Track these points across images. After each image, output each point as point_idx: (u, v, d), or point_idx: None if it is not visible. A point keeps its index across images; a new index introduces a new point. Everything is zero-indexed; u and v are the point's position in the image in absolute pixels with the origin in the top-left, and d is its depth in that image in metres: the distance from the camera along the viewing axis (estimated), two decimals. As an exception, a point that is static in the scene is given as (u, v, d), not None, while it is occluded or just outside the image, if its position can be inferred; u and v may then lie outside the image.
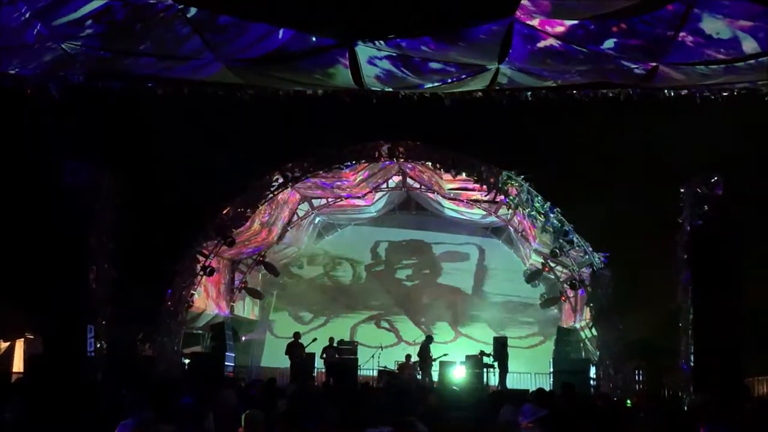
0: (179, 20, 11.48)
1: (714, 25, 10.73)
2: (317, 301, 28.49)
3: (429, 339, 23.97)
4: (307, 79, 13.53)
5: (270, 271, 26.99)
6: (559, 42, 11.43)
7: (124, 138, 19.71)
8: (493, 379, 23.26)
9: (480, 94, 14.03)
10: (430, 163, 21.70)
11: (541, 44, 11.60)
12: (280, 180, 21.82)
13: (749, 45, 11.05)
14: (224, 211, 21.45)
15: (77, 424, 12.18)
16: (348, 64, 12.44)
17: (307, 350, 23.59)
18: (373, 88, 13.68)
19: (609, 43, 11.49)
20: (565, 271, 23.29)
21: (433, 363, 23.26)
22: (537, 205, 20.83)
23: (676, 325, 18.27)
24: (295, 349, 23.55)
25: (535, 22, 10.97)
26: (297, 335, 24.21)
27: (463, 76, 12.95)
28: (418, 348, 24.38)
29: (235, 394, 13.55)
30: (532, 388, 19.50)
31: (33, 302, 18.64)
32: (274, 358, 25.50)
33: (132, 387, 14.56)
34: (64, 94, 13.92)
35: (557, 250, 21.33)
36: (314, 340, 24.15)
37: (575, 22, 10.93)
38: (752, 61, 11.45)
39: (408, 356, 24.31)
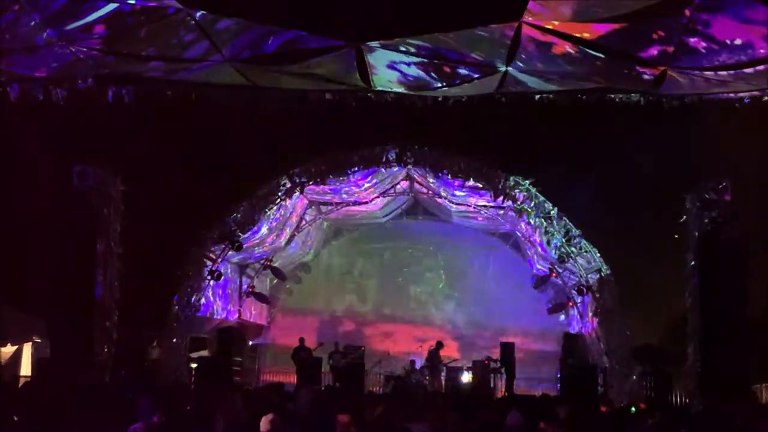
0: (186, 23, 11.53)
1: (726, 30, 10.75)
2: (324, 305, 28.49)
3: (439, 345, 23.96)
4: (316, 75, 13.51)
5: (277, 276, 27.00)
6: (577, 48, 11.44)
7: (132, 141, 19.75)
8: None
9: (488, 98, 14.05)
10: (437, 169, 21.67)
11: (555, 49, 11.63)
12: (288, 185, 21.82)
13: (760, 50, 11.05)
14: (232, 216, 21.46)
15: (85, 429, 12.19)
16: (355, 65, 12.50)
17: (313, 355, 23.63)
18: (381, 89, 13.69)
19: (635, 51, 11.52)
20: (572, 276, 23.24)
21: (443, 368, 23.28)
22: (544, 210, 20.82)
23: (683, 330, 18.25)
24: (301, 353, 23.59)
25: (551, 26, 10.98)
26: (302, 340, 24.27)
27: (476, 76, 12.96)
28: (425, 353, 24.43)
29: (241, 399, 13.55)
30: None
31: (41, 306, 18.67)
32: (281, 362, 25.48)
33: (140, 391, 14.57)
34: (73, 96, 13.96)
35: (564, 256, 21.30)
36: (321, 344, 24.17)
37: (598, 29, 10.93)
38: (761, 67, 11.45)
39: (412, 362, 24.31)
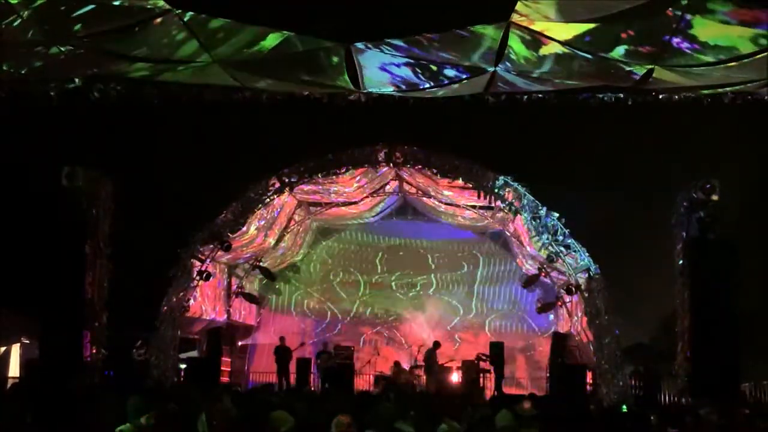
0: (176, 24, 11.51)
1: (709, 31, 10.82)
2: (313, 306, 28.48)
3: (436, 345, 23.94)
4: (308, 79, 13.53)
5: (266, 276, 26.97)
6: (564, 48, 11.48)
7: (121, 142, 19.72)
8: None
9: (477, 98, 14.08)
10: (426, 169, 21.67)
11: (544, 49, 11.67)
12: (277, 185, 21.77)
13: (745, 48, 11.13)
14: (221, 216, 21.42)
15: (74, 430, 12.16)
16: (345, 66, 12.52)
17: (304, 356, 23.65)
18: (371, 90, 13.71)
19: (619, 51, 11.59)
20: (561, 276, 23.27)
21: (439, 369, 23.28)
22: (533, 210, 20.82)
23: (672, 329, 18.32)
24: (282, 353, 23.66)
25: (538, 27, 11.02)
26: (282, 339, 24.33)
27: (464, 77, 12.99)
28: (415, 354, 24.45)
29: (230, 399, 13.52)
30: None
31: (29, 307, 18.61)
32: (270, 363, 25.45)
33: (128, 392, 14.53)
34: (62, 97, 13.92)
35: (553, 255, 21.32)
36: (302, 344, 24.17)
37: (584, 29, 10.98)
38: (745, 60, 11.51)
39: (397, 363, 24.33)
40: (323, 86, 13.86)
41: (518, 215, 21.36)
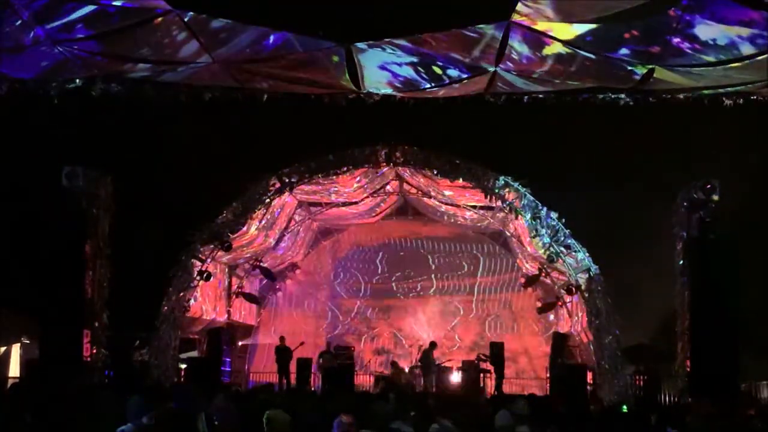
0: (176, 24, 11.52)
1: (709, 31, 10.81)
2: (314, 305, 28.49)
3: (433, 345, 23.94)
4: (308, 79, 13.54)
5: (267, 276, 26.97)
6: (565, 47, 11.48)
7: (121, 142, 19.73)
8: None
9: (477, 98, 14.08)
10: (426, 169, 21.68)
11: (546, 50, 11.67)
12: (277, 185, 21.78)
13: (746, 49, 11.12)
14: (221, 216, 21.42)
15: (74, 430, 12.16)
16: (345, 66, 12.53)
17: (304, 355, 23.65)
18: (371, 90, 13.71)
19: (620, 50, 11.60)
20: (561, 276, 23.27)
21: (435, 369, 23.30)
22: (533, 210, 20.82)
23: (672, 329, 18.33)
24: (282, 353, 23.66)
25: (539, 26, 11.02)
26: (282, 339, 24.32)
27: (465, 76, 12.99)
28: (414, 354, 24.45)
29: (230, 399, 13.52)
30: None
31: (29, 307, 18.62)
32: (270, 363, 25.47)
33: (128, 392, 14.52)
34: (62, 97, 13.93)
35: (553, 256, 21.32)
36: (301, 343, 24.17)
37: (584, 29, 10.98)
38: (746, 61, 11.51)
39: (394, 363, 24.33)
40: (323, 86, 13.85)
41: (518, 215, 21.36)
